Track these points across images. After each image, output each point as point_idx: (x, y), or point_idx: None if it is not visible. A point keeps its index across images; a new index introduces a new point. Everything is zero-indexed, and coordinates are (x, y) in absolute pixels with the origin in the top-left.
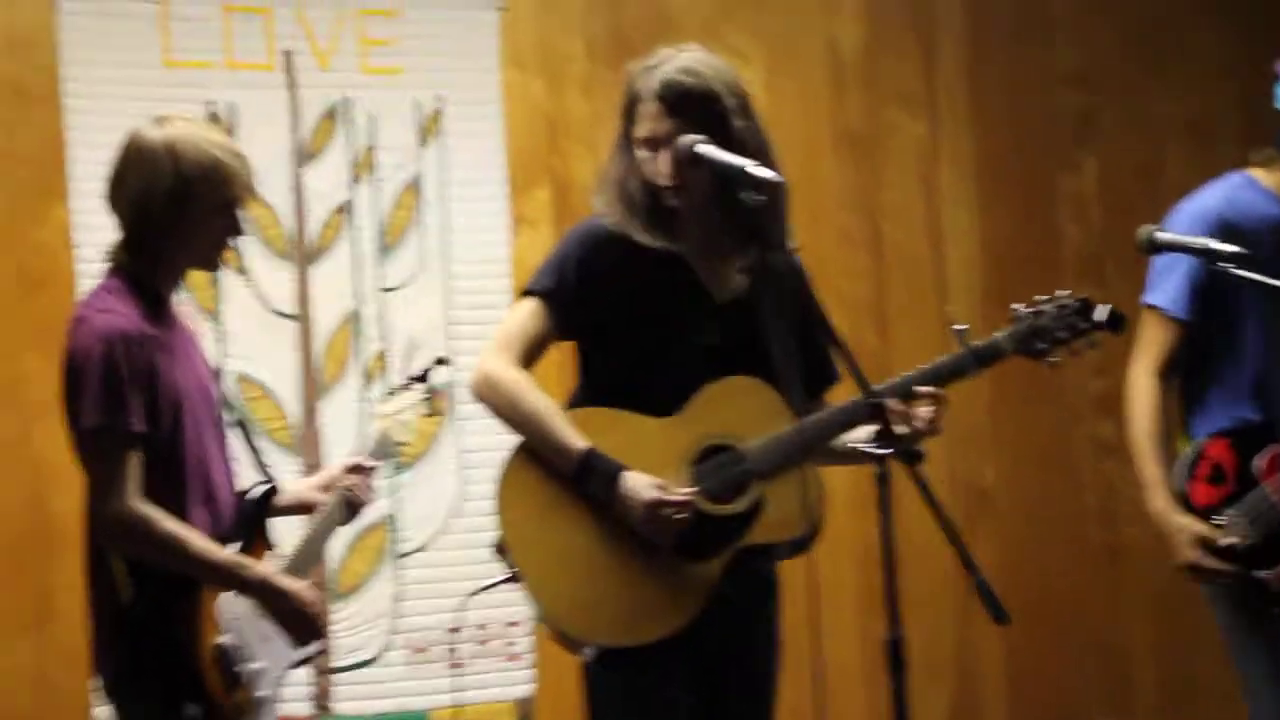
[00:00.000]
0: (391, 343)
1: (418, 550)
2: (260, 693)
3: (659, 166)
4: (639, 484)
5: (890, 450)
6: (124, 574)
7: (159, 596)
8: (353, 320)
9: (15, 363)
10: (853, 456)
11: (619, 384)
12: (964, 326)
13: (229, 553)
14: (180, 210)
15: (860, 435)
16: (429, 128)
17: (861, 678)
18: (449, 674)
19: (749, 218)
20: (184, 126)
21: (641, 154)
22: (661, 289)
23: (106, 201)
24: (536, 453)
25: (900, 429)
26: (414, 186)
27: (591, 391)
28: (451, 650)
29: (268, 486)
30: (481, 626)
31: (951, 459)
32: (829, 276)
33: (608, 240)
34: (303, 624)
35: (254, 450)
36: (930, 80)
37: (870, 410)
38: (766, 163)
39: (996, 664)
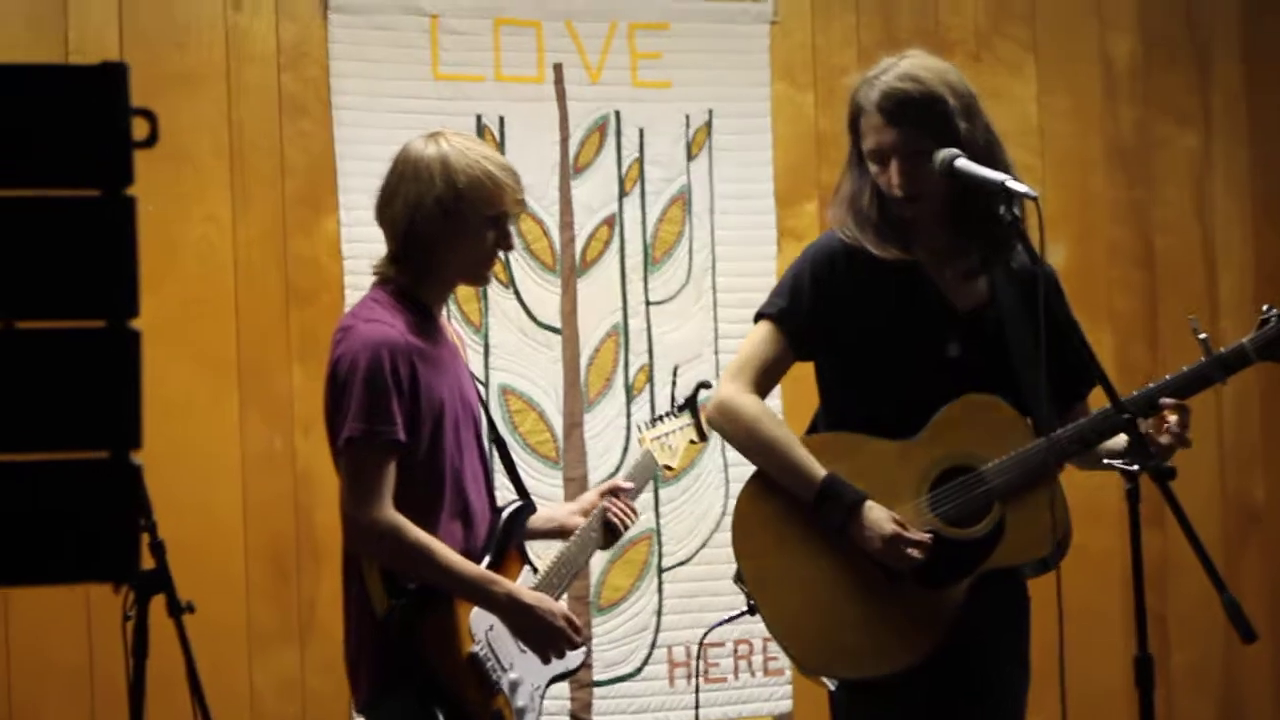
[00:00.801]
0: (656, 357)
1: (680, 564)
2: (519, 703)
3: (891, 178)
4: (879, 517)
5: (1140, 468)
6: (379, 586)
7: (412, 608)
8: (618, 334)
9: (281, 376)
10: (1101, 466)
11: (860, 403)
12: (1205, 335)
13: (477, 568)
14: (450, 222)
15: (1115, 445)
16: (698, 141)
17: (1125, 696)
18: (709, 688)
19: (995, 228)
20: (455, 140)
21: (872, 167)
22: (901, 300)
23: (377, 214)
24: (773, 482)
25: (1156, 441)
26: (682, 200)
27: (832, 414)
28: (711, 665)
29: (523, 504)
30: (742, 641)
31: (1223, 477)
32: (1099, 290)
33: (843, 254)
34: (547, 641)
35: (512, 468)
36: (1204, 93)
37: (1118, 424)
38: (1000, 161)
39: (1264, 681)
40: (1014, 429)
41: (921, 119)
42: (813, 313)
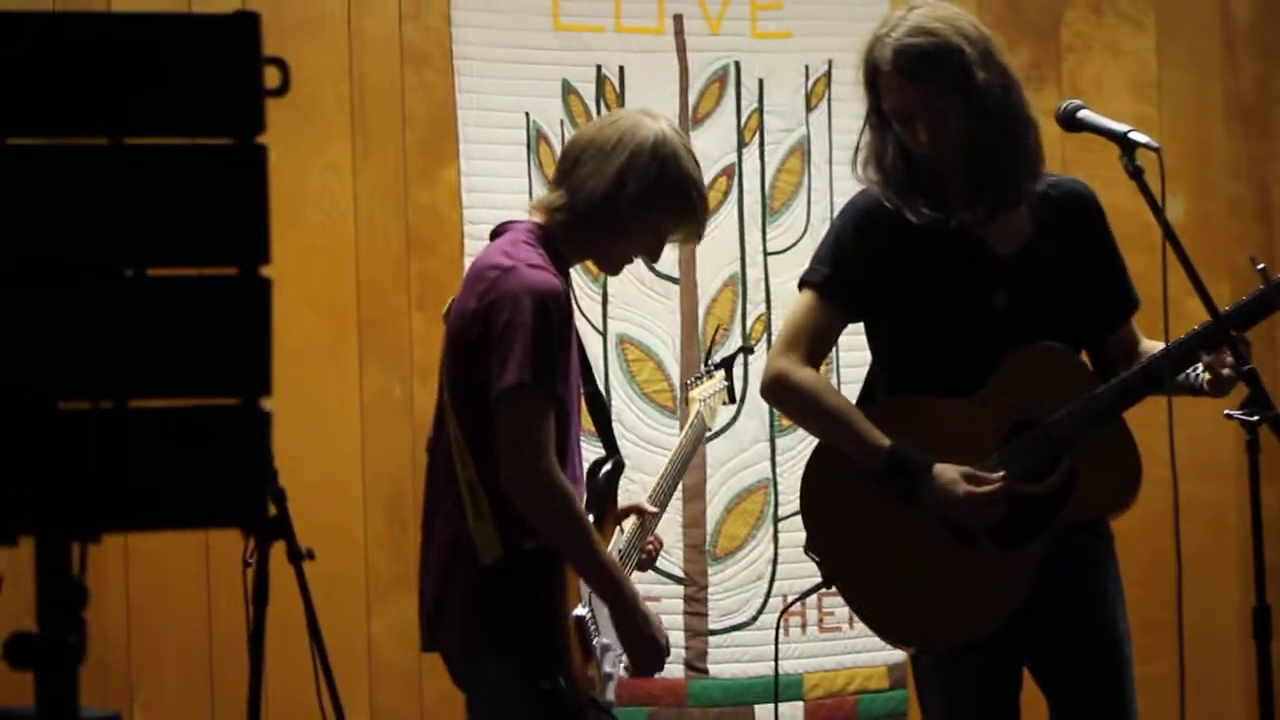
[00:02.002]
0: (774, 307)
1: (796, 514)
2: (606, 669)
3: (918, 135)
4: (948, 475)
5: (1260, 419)
6: (492, 533)
7: (532, 562)
8: (736, 284)
9: (401, 324)
10: (1187, 390)
11: (916, 362)
12: (1263, 265)
13: (616, 562)
14: (637, 218)
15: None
16: (817, 92)
17: (1241, 646)
18: (824, 638)
19: (1001, 167)
20: (680, 142)
21: (896, 124)
22: (944, 254)
23: (571, 160)
24: (836, 454)
25: (1218, 375)
26: (800, 150)
27: (890, 375)
28: (826, 615)
29: (617, 463)
30: None
31: None
32: (1218, 245)
33: (880, 212)
34: (647, 655)
35: (608, 425)
36: None
37: (1187, 357)
38: (1017, 107)
39: None
40: (1078, 376)
41: (940, 73)
42: (858, 275)
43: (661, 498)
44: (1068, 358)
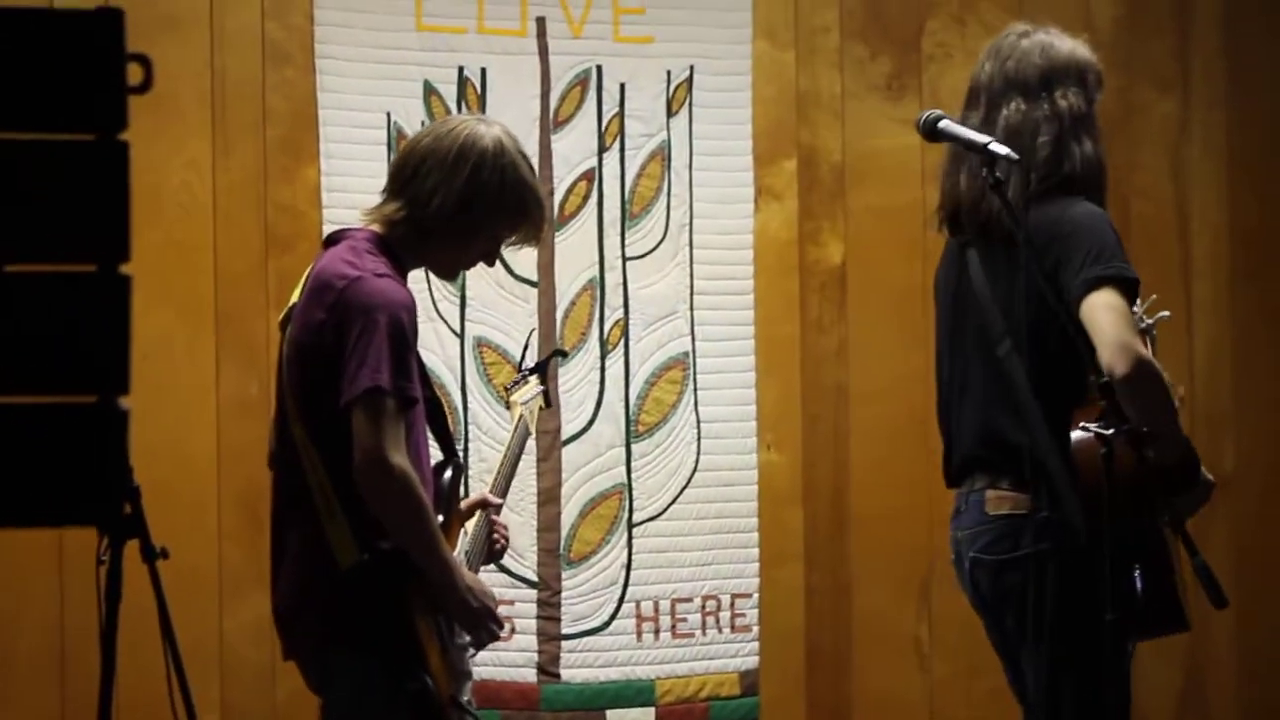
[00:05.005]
0: (632, 312)
1: (651, 520)
2: (463, 666)
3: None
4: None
5: (1115, 431)
6: (347, 536)
7: (390, 564)
8: (594, 288)
9: (258, 322)
10: None
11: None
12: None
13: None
14: (482, 230)
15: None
16: (678, 97)
17: None
18: (676, 644)
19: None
20: (513, 145)
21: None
22: None
23: (404, 170)
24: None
25: None
26: (661, 156)
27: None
28: (679, 621)
29: (456, 466)
30: (710, 597)
31: (1193, 442)
32: None
33: None
34: (482, 628)
35: (445, 428)
36: (1185, 59)
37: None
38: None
39: (1227, 649)
40: None
41: None
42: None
43: (500, 494)
44: None
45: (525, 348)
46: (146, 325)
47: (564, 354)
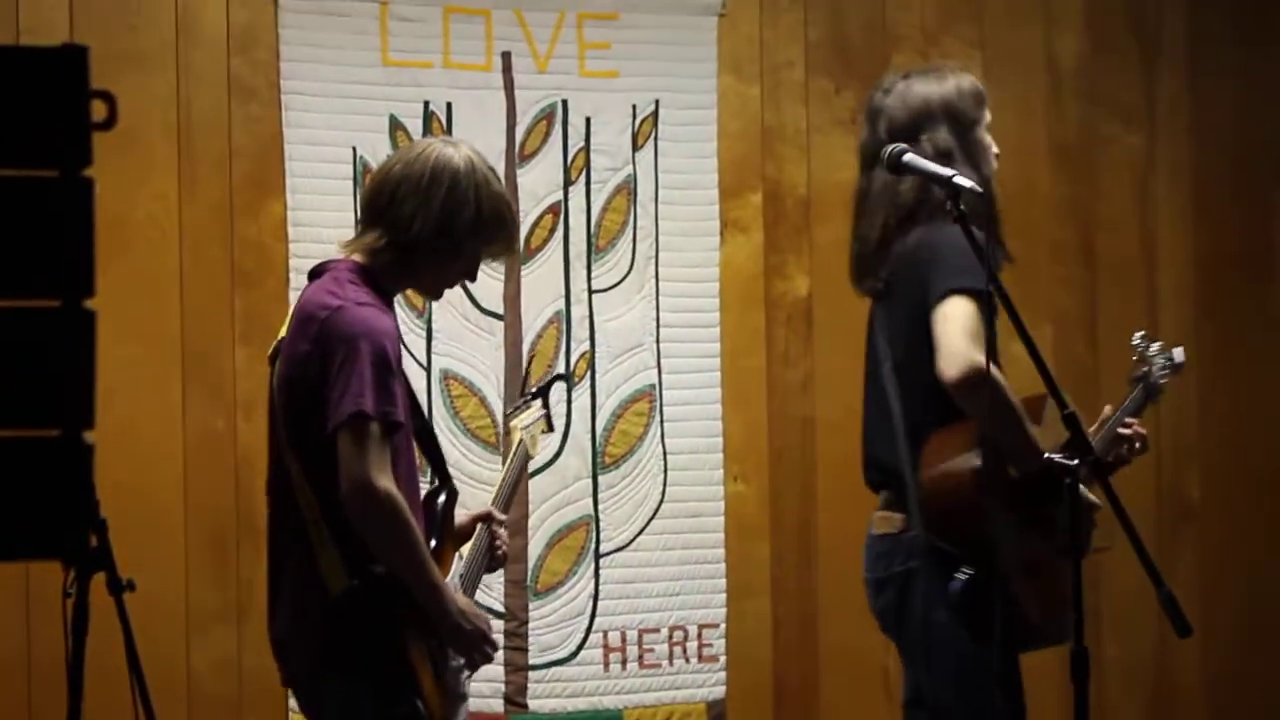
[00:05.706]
0: (598, 345)
1: (618, 550)
2: (459, 690)
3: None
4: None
5: (1080, 461)
6: (336, 563)
7: (379, 590)
8: (560, 321)
9: (225, 357)
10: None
11: None
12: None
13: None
14: (463, 249)
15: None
16: (644, 131)
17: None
18: (643, 674)
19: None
20: (481, 162)
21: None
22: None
23: (377, 200)
24: (1002, 452)
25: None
26: (627, 189)
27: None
28: (646, 651)
29: (452, 491)
30: (678, 628)
31: (1159, 473)
32: (1041, 287)
33: None
34: (476, 652)
35: (439, 457)
36: (1149, 92)
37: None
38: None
39: (1195, 677)
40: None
41: None
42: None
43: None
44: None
45: (526, 374)
46: (112, 359)
47: (567, 378)
